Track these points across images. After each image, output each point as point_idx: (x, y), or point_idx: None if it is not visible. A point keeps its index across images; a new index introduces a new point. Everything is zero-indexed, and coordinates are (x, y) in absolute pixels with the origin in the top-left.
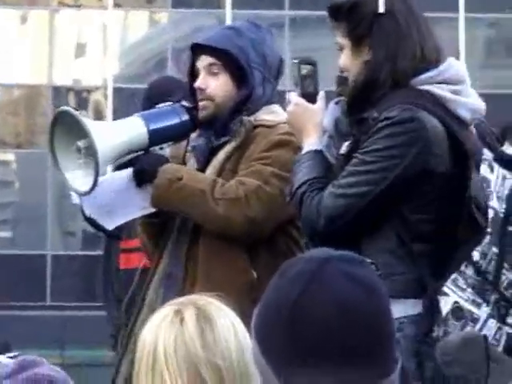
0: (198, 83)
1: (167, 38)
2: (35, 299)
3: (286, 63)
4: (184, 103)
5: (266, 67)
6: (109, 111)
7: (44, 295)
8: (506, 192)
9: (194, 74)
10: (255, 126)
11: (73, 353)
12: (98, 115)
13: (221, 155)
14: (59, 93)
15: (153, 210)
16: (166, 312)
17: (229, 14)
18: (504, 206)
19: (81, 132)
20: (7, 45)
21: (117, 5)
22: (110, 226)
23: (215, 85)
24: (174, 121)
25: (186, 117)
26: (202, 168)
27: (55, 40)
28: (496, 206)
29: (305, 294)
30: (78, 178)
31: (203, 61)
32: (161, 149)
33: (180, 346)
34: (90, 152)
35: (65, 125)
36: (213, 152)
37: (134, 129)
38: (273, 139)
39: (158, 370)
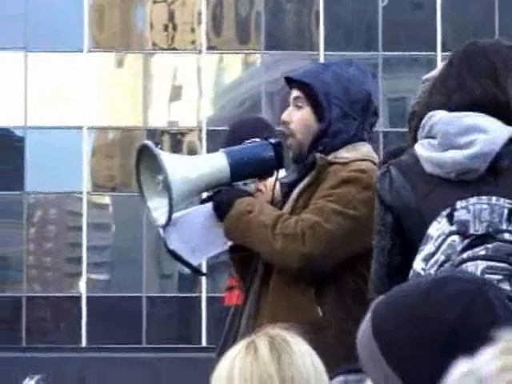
0: (283, 115)
1: (261, 81)
2: (131, 341)
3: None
4: (271, 140)
5: (348, 103)
6: (203, 153)
7: (140, 337)
8: None
9: None
10: (331, 163)
11: None
12: None
13: (295, 192)
14: (154, 135)
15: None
16: (239, 346)
17: (322, 56)
18: None
19: (159, 166)
20: (103, 88)
21: (211, 47)
22: (194, 261)
23: (297, 118)
24: (258, 157)
25: (270, 153)
26: (283, 205)
27: (150, 83)
28: None
29: (469, 313)
30: (158, 209)
31: (291, 94)
32: (245, 184)
33: (255, 371)
34: (166, 187)
35: (148, 158)
36: (292, 189)
37: (215, 163)
38: (341, 176)
39: None
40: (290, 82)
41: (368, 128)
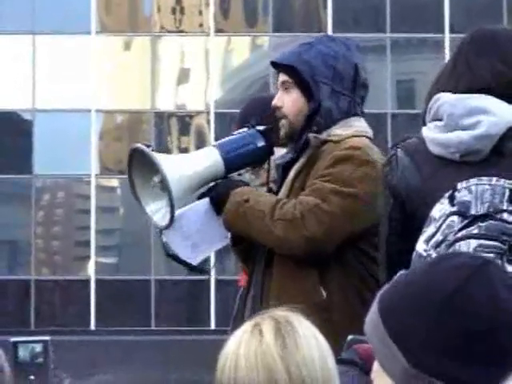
0: (274, 101)
1: (268, 63)
2: (139, 324)
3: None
4: (259, 127)
5: (336, 80)
6: (211, 136)
7: (148, 320)
8: None
9: None
10: (324, 142)
11: (176, 376)
12: (201, 140)
13: (291, 173)
14: (162, 118)
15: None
16: (245, 327)
17: None
18: None
19: (154, 167)
20: (111, 71)
21: (219, 30)
22: (194, 261)
23: (287, 102)
24: (250, 147)
25: (261, 141)
26: (280, 187)
27: (158, 66)
28: None
29: (465, 285)
30: (157, 212)
31: (279, 78)
32: (239, 175)
33: (260, 355)
34: (164, 187)
35: (141, 161)
36: (287, 170)
37: (209, 159)
38: (336, 155)
39: (240, 381)
40: (276, 66)
41: (359, 101)
